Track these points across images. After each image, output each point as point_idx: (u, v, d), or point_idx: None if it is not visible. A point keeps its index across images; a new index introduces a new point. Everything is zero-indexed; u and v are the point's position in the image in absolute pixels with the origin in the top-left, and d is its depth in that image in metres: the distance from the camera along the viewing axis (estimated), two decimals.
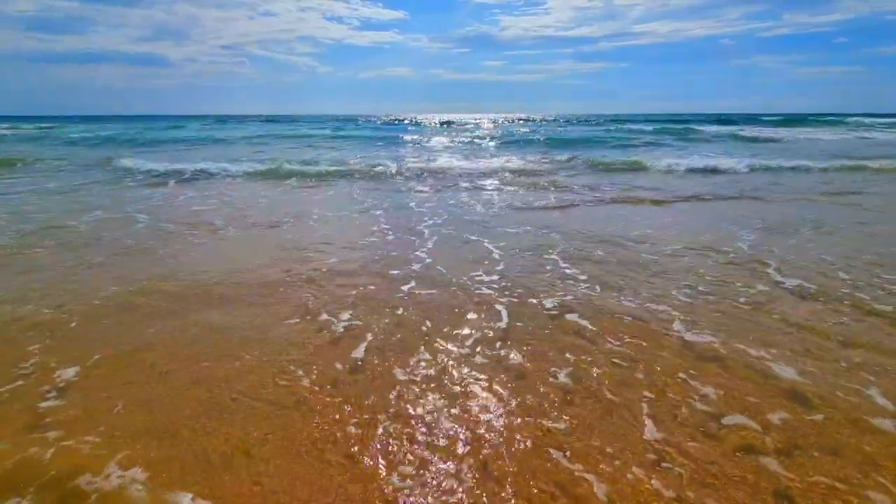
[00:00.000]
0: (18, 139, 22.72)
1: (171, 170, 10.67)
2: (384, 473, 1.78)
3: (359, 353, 2.65)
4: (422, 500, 1.66)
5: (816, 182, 9.21)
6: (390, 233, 5.42)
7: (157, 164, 11.07)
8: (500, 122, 45.87)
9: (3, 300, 3.37)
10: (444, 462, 1.84)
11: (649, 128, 28.71)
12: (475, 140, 21.04)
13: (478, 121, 47.59)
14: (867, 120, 40.08)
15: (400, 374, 2.45)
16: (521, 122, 43.61)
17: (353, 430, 2.02)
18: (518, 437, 1.98)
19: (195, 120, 52.28)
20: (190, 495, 1.68)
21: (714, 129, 27.19)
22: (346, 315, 3.12)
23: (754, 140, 20.73)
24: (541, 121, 47.39)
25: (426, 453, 1.89)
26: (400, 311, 3.20)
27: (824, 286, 3.57)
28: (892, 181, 9.34)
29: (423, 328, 2.95)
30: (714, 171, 10.67)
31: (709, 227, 5.57)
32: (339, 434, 1.99)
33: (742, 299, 3.35)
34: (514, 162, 12.28)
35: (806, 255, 4.39)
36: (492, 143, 19.52)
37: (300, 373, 2.45)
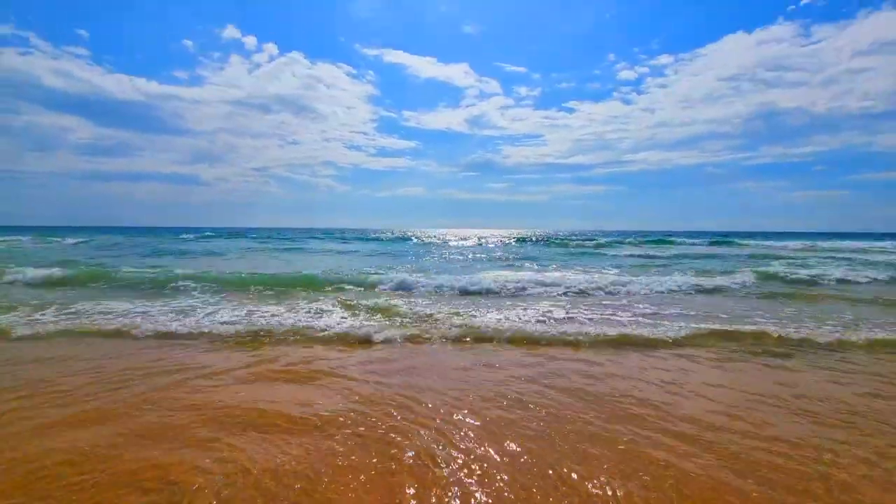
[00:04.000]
0: None
1: None
2: None
3: None
4: None
5: None
6: None
7: None
8: (485, 238, 45.59)
9: None
10: None
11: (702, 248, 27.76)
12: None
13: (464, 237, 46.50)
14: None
15: None
16: (532, 240, 41.97)
17: None
18: None
19: (185, 231, 56.24)
20: None
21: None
22: None
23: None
24: (544, 239, 43.64)
25: None
26: None
27: None
28: None
29: None
30: None
31: None
32: None
33: None
34: None
35: None
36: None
37: None
